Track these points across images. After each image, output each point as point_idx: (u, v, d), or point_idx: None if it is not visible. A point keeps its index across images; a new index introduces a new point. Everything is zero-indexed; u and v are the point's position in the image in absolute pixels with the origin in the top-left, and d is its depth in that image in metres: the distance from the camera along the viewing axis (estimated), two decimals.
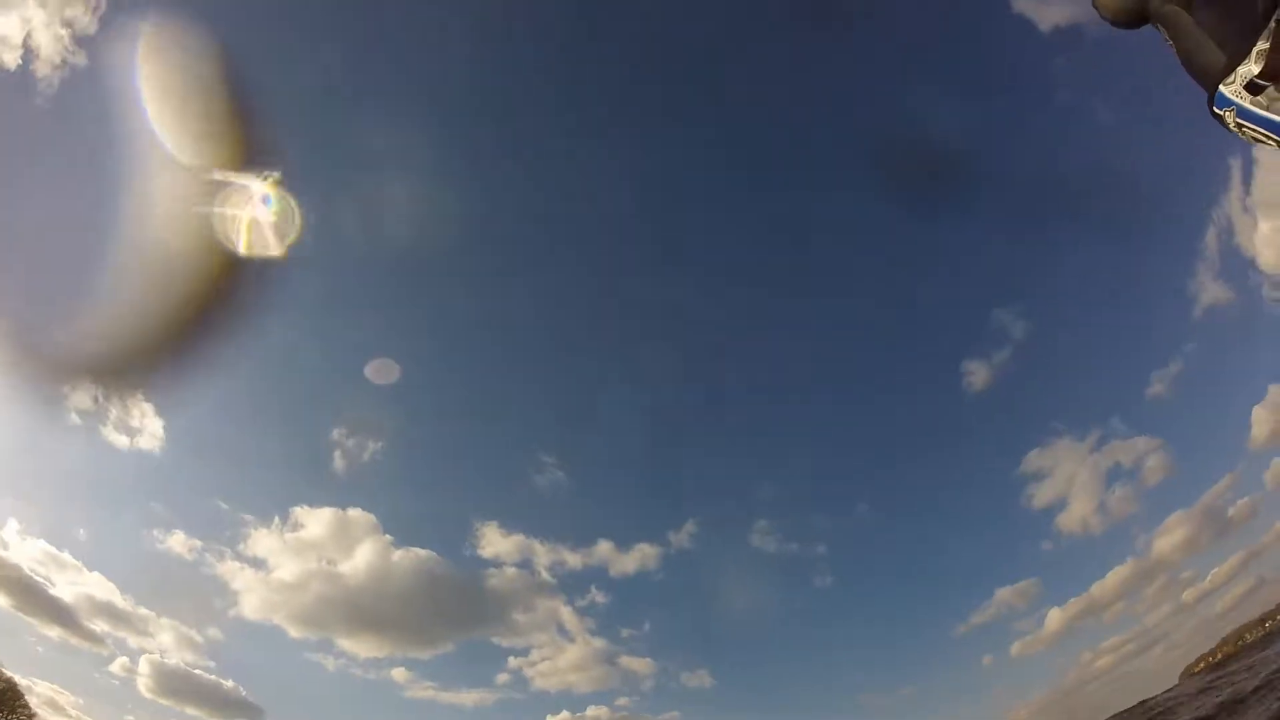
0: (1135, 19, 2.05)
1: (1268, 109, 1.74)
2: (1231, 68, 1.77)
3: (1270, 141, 1.77)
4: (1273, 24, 1.68)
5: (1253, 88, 1.74)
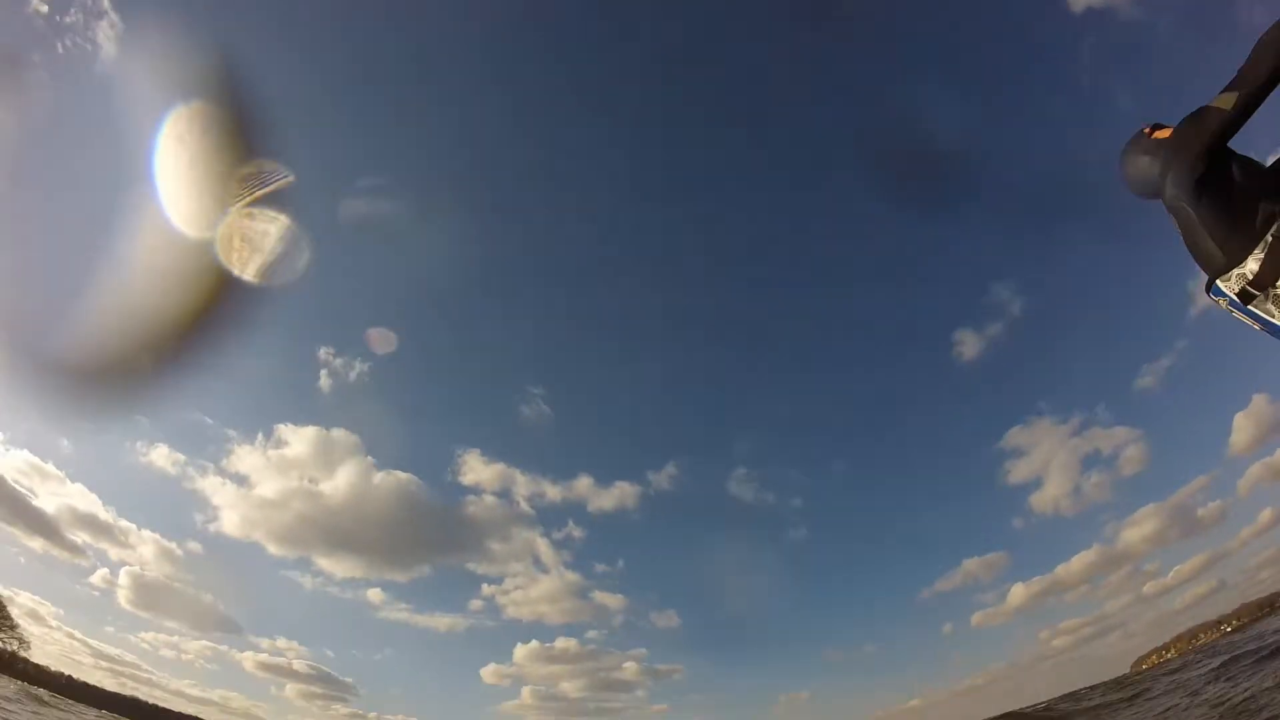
0: (1153, 196, 2.37)
1: (1257, 308, 2.08)
2: (1229, 267, 2.08)
3: (1256, 328, 2.13)
4: (1269, 239, 1.97)
5: (1245, 295, 2.07)
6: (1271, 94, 2.10)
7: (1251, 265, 2.04)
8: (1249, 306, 2.11)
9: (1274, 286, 2.03)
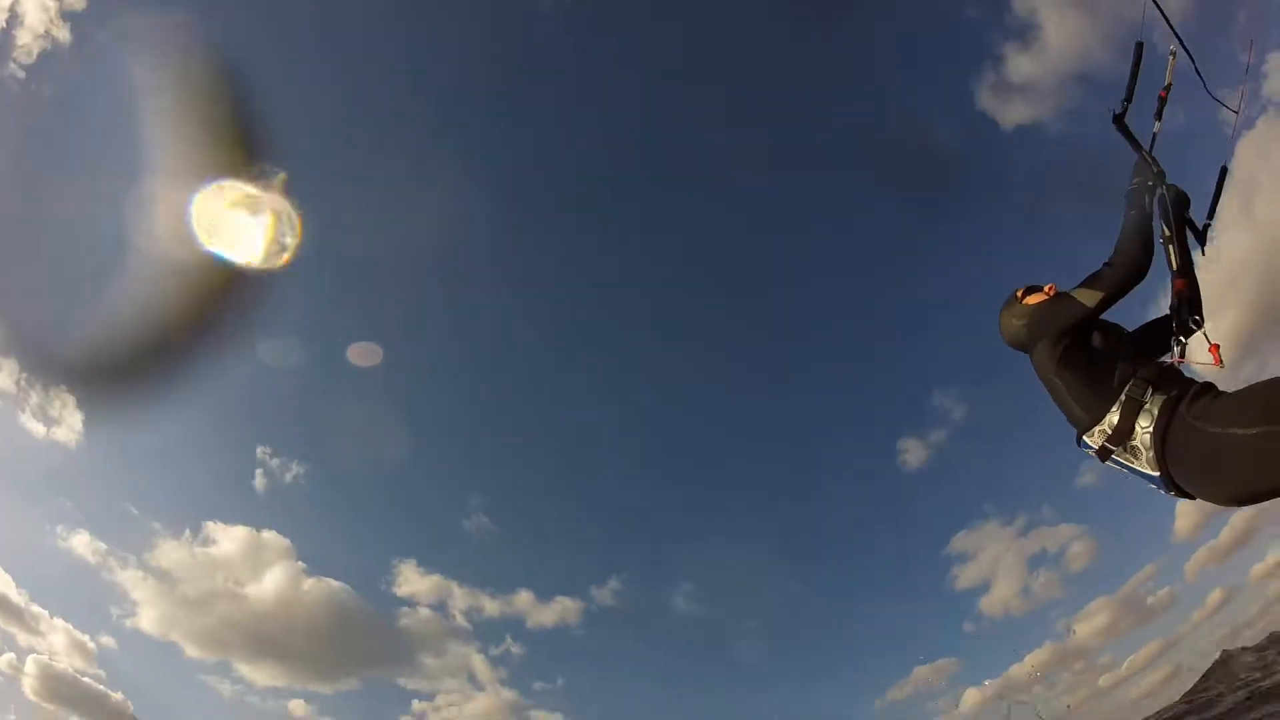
0: (1025, 350, 2.66)
1: (1118, 458, 2.36)
2: (1092, 425, 2.39)
3: (1124, 473, 2.41)
4: (1123, 398, 2.29)
5: (1103, 453, 2.39)
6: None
7: (1112, 419, 2.31)
8: (1111, 459, 2.39)
9: (1130, 438, 2.29)
